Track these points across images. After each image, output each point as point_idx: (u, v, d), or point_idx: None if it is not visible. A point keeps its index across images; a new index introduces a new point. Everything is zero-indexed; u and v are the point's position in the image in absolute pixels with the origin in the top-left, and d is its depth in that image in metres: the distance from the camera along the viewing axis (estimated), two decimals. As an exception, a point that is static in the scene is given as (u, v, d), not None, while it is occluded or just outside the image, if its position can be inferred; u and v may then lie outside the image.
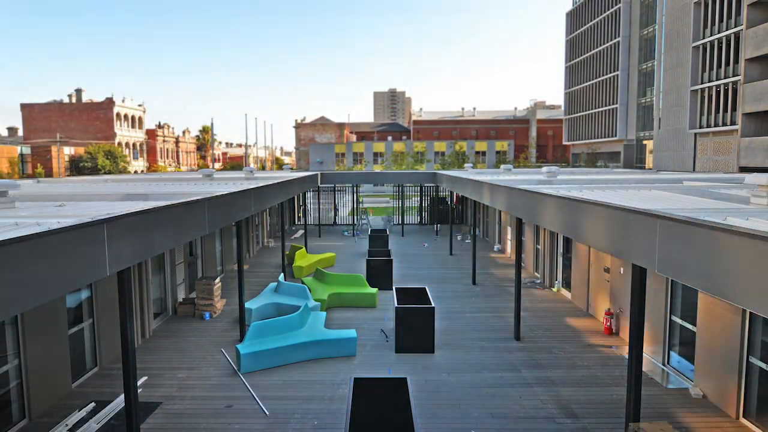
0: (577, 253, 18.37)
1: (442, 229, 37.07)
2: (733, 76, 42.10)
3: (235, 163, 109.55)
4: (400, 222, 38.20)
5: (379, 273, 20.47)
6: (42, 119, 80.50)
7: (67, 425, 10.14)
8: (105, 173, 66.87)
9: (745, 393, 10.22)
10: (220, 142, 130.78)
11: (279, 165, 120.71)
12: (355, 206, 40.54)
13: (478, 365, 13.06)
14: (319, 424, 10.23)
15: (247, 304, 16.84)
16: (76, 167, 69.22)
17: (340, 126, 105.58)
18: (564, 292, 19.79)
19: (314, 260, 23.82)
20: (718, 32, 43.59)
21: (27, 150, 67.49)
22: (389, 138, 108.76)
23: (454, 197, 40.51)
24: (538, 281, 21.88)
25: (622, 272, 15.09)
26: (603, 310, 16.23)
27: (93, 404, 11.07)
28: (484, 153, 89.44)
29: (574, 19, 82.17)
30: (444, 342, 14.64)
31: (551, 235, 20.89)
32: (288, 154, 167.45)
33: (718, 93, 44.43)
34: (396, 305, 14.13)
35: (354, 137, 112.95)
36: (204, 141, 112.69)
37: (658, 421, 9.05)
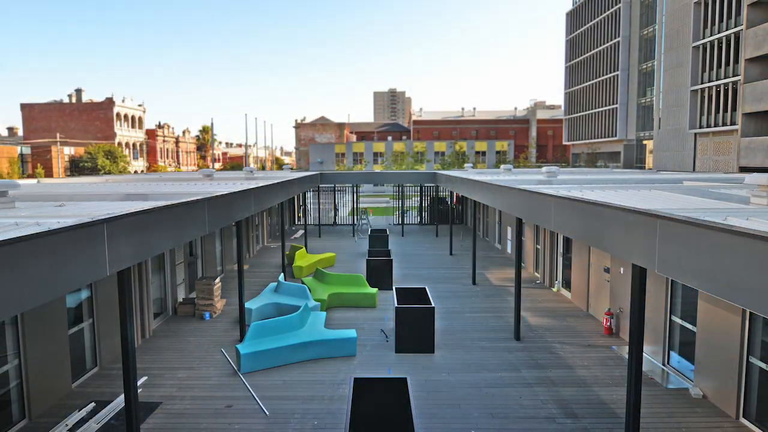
0: (577, 253, 18.37)
1: (442, 229, 37.05)
2: (733, 76, 42.10)
3: (235, 163, 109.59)
4: (400, 222, 38.20)
5: (379, 273, 20.47)
6: (42, 119, 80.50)
7: (67, 425, 10.14)
8: (105, 173, 66.87)
9: (745, 393, 10.22)
10: (220, 142, 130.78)
11: (279, 165, 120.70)
12: (355, 206, 40.55)
13: (478, 365, 13.06)
14: (319, 424, 10.23)
15: (247, 304, 16.84)
16: (76, 167, 69.22)
17: (340, 126, 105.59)
18: (564, 292, 19.79)
19: (314, 260, 23.83)
20: (718, 32, 43.59)
21: (27, 150, 67.49)
22: (389, 138, 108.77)
23: (454, 197, 40.52)
24: (539, 281, 21.88)
25: (622, 272, 15.09)
26: (603, 310, 16.23)
27: (93, 404, 11.07)
28: (484, 153, 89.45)
29: (574, 19, 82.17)
30: (444, 342, 14.64)
31: (551, 235, 20.89)
32: (288, 154, 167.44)
33: (718, 93, 44.43)
34: (396, 305, 14.13)
35: (354, 137, 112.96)
36: (204, 141, 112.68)
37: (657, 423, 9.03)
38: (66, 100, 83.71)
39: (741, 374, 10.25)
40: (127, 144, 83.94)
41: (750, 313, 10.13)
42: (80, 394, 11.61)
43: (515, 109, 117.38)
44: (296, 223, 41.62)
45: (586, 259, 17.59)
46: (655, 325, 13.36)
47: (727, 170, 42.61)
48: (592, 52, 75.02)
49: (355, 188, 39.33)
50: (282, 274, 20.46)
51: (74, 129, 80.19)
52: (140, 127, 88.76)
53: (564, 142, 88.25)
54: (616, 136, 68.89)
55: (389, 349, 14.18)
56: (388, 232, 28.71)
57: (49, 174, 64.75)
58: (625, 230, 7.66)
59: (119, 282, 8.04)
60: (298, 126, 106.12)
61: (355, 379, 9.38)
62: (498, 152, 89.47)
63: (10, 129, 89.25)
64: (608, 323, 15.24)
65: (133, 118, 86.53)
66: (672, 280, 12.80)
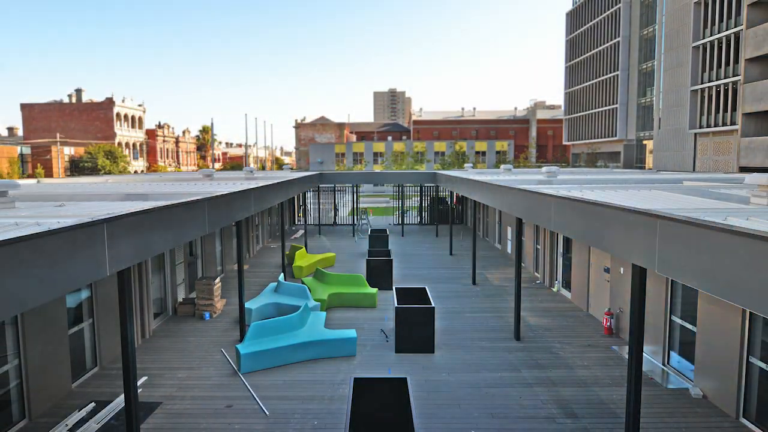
0: (577, 253, 18.37)
1: (442, 229, 37.05)
2: (733, 76, 42.10)
3: (235, 163, 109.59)
4: (400, 222, 38.21)
5: (379, 273, 20.47)
6: (42, 119, 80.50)
7: (67, 425, 10.14)
8: (105, 173, 66.87)
9: (745, 393, 10.22)
10: (220, 142, 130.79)
11: (279, 165, 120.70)
12: (355, 206, 40.56)
13: (478, 365, 13.06)
14: (319, 424, 10.23)
15: (247, 304, 16.84)
16: (76, 167, 69.23)
17: (340, 126, 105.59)
18: (564, 292, 19.79)
19: (314, 260, 23.82)
20: (718, 32, 43.59)
21: (27, 150, 67.50)
22: (389, 138, 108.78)
23: (454, 197, 40.52)
24: (539, 281, 21.88)
25: (622, 272, 15.09)
26: (603, 310, 16.23)
27: (93, 404, 11.07)
28: (484, 153, 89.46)
29: (574, 19, 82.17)
30: (444, 342, 14.64)
31: (551, 235, 20.89)
32: (288, 154, 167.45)
33: (718, 93, 44.43)
34: (396, 305, 14.13)
35: (354, 137, 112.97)
36: (204, 141, 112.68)
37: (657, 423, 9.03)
38: (66, 100, 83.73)
39: (741, 374, 10.25)
40: (127, 144, 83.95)
41: (750, 313, 10.13)
42: (80, 394, 11.61)
43: (515, 109, 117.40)
44: (296, 223, 41.63)
45: (586, 259, 17.59)
46: (655, 325, 13.36)
47: (727, 170, 42.61)
48: (592, 52, 75.02)
49: (355, 188, 39.34)
50: (282, 274, 20.46)
51: (74, 129, 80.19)
52: (140, 127, 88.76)
53: (564, 142, 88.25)
54: (616, 136, 68.89)
55: (389, 349, 14.18)
56: (388, 232, 28.72)
57: (49, 174, 64.75)
58: (625, 230, 7.66)
59: (119, 282, 8.04)
60: (298, 126, 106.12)
61: (355, 379, 9.38)
62: (498, 152, 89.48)
63: (10, 129, 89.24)
64: (608, 323, 15.24)
65: (133, 118, 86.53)
66: (672, 280, 12.80)
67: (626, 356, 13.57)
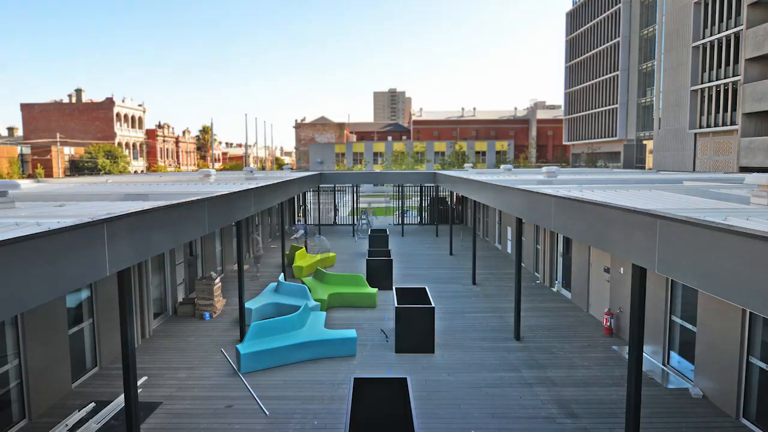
0: (577, 253, 18.37)
1: (442, 229, 37.05)
2: (733, 76, 42.09)
3: (235, 163, 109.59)
4: (400, 222, 38.21)
5: (379, 273, 20.47)
6: (42, 119, 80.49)
7: (67, 425, 10.14)
8: (105, 173, 66.88)
9: (745, 393, 10.23)
10: (220, 142, 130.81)
11: (279, 165, 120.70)
12: (355, 206, 40.55)
13: (478, 365, 13.06)
14: (319, 424, 10.23)
15: (247, 304, 16.84)
16: (76, 167, 69.24)
17: (340, 126, 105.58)
18: (564, 292, 19.79)
19: (314, 260, 23.82)
20: (718, 32, 43.59)
21: (27, 150, 67.51)
22: (389, 138, 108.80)
23: (454, 197, 40.51)
24: (539, 281, 21.88)
25: (622, 272, 15.09)
26: (603, 310, 16.23)
27: (93, 404, 11.07)
28: (484, 153, 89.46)
29: (574, 19, 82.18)
30: (444, 342, 14.64)
31: (551, 235, 20.89)
32: (288, 154, 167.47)
33: (718, 93, 44.44)
34: (396, 305, 14.13)
35: (354, 137, 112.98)
36: (204, 141, 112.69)
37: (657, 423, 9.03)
38: (66, 100, 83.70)
39: (741, 374, 10.26)
40: (127, 144, 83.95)
41: (750, 313, 10.13)
42: (80, 394, 11.61)
43: (515, 109, 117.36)
44: (296, 223, 41.60)
45: (586, 259, 17.59)
46: (655, 325, 13.36)
47: (727, 170, 42.61)
48: (592, 52, 75.02)
49: (355, 188, 39.34)
50: (282, 274, 20.46)
51: (74, 129, 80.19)
52: (140, 127, 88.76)
53: (564, 142, 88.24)
54: (616, 136, 68.89)
55: (389, 349, 14.18)
56: (388, 232, 28.72)
57: (49, 174, 64.77)
58: (625, 230, 7.66)
59: (119, 282, 8.04)
60: (298, 126, 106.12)
61: (355, 379, 9.38)
62: (498, 152, 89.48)
63: (10, 129, 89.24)
64: (608, 323, 15.25)
65: (133, 118, 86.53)
66: (672, 280, 12.80)
67: (626, 356, 13.57)
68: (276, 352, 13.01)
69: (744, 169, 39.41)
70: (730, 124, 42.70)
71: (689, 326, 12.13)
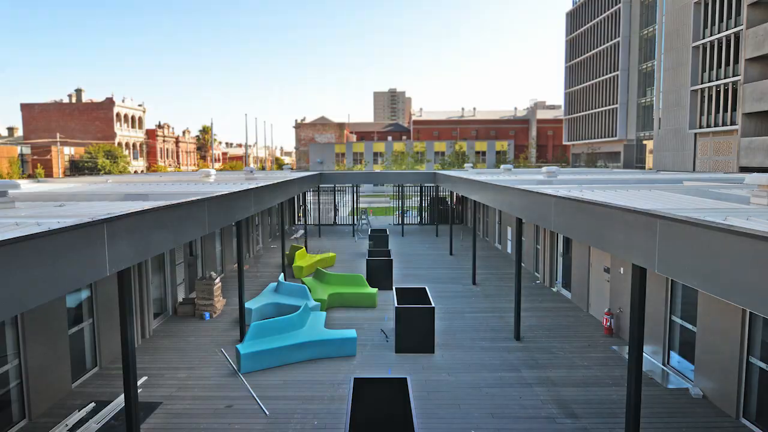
0: (577, 253, 18.37)
1: (442, 229, 37.05)
2: (733, 76, 42.10)
3: (235, 163, 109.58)
4: (400, 222, 38.21)
5: (379, 273, 20.47)
6: (42, 119, 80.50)
7: (67, 425, 10.14)
8: (105, 173, 66.88)
9: (745, 393, 10.23)
10: (220, 142, 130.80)
11: (279, 165, 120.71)
12: (355, 206, 40.55)
13: (478, 365, 13.06)
14: (319, 424, 10.23)
15: (247, 304, 16.84)
16: (76, 167, 69.24)
17: (340, 126, 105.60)
18: (564, 292, 19.79)
19: (314, 260, 23.83)
20: (718, 32, 43.59)
21: (27, 150, 67.51)
22: (389, 138, 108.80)
23: (454, 197, 40.52)
24: (539, 281, 21.88)
25: (622, 272, 15.09)
26: (603, 310, 16.23)
27: (93, 404, 11.08)
28: (484, 153, 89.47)
29: (574, 19, 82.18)
30: (444, 342, 14.64)
31: (551, 235, 20.89)
32: (288, 154, 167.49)
33: (718, 93, 44.44)
34: (396, 305, 14.13)
35: (354, 137, 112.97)
36: (204, 141, 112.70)
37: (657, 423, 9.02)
38: (66, 100, 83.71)
39: (741, 374, 10.26)
40: (127, 144, 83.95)
41: (750, 313, 10.13)
42: (80, 394, 11.61)
43: (515, 109, 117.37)
44: (296, 223, 41.64)
45: (586, 259, 17.59)
46: (655, 325, 13.36)
47: (727, 170, 42.61)
48: (592, 52, 75.03)
49: (355, 188, 39.35)
50: (282, 274, 20.46)
51: (74, 129, 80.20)
52: (140, 127, 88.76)
53: (564, 142, 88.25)
54: (616, 136, 68.90)
55: (389, 349, 14.18)
56: (388, 232, 28.72)
57: (49, 174, 64.77)
58: (625, 230, 7.66)
59: (119, 282, 8.04)
60: (298, 126, 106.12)
61: (355, 379, 9.38)
62: (498, 152, 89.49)
63: (10, 129, 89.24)
64: (608, 323, 15.25)
65: (133, 118, 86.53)
66: (672, 280, 12.80)
67: (626, 356, 13.57)
68: (276, 352, 13.01)
69: (744, 169, 39.41)
70: (730, 124, 42.71)
71: (689, 326, 12.13)
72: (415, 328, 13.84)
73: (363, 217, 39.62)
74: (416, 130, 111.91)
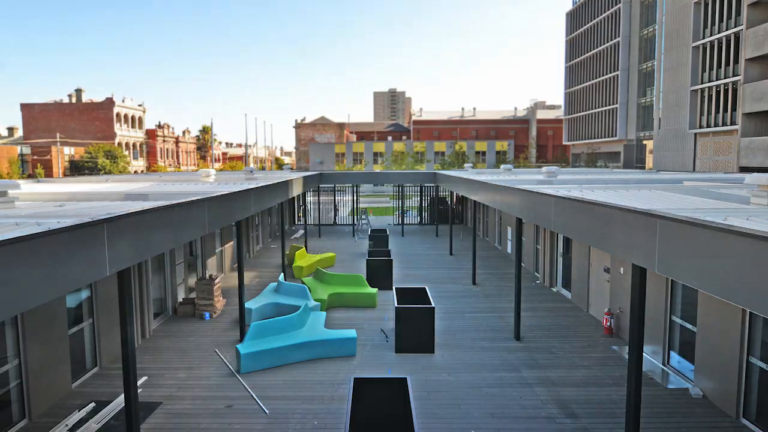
0: (577, 253, 18.37)
1: (442, 229, 37.05)
2: (733, 76, 42.11)
3: (235, 163, 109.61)
4: (400, 222, 38.21)
5: (379, 273, 20.47)
6: (42, 119, 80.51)
7: (67, 425, 10.14)
8: (105, 173, 66.89)
9: (745, 393, 10.23)
10: (220, 142, 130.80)
11: (279, 165, 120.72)
12: (355, 206, 40.55)
13: (478, 365, 13.06)
14: (319, 424, 10.23)
15: (247, 304, 16.84)
16: (76, 167, 69.25)
17: (340, 126, 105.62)
18: (564, 292, 19.79)
19: (314, 260, 23.83)
20: (718, 32, 43.60)
21: (27, 150, 67.53)
22: (389, 138, 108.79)
23: (454, 197, 40.52)
24: (539, 281, 21.88)
25: (622, 272, 15.09)
26: (603, 310, 16.23)
27: (93, 404, 11.08)
28: (484, 153, 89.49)
29: (574, 19, 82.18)
30: (444, 342, 14.64)
31: (551, 235, 20.89)
32: (288, 154, 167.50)
33: (718, 93, 44.44)
34: (396, 305, 14.13)
35: (354, 137, 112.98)
36: (204, 141, 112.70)
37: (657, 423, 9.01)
38: (66, 100, 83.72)
39: (741, 374, 10.26)
40: (127, 144, 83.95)
41: (750, 313, 10.13)
42: (80, 394, 11.61)
43: (515, 109, 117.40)
44: (296, 223, 41.64)
45: (586, 259, 17.59)
46: (655, 325, 13.36)
47: (727, 170, 42.62)
48: (592, 52, 75.03)
49: (355, 188, 39.35)
50: (282, 274, 20.46)
51: (74, 129, 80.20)
52: (140, 127, 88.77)
53: (564, 142, 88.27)
54: (616, 136, 68.90)
55: (389, 349, 14.18)
56: (388, 232, 28.72)
57: (49, 174, 64.79)
58: (625, 230, 7.66)
59: (119, 282, 8.04)
60: (298, 126, 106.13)
61: (355, 379, 9.38)
62: (498, 152, 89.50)
63: (10, 129, 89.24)
64: (608, 323, 15.25)
65: (133, 118, 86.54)
66: (672, 280, 12.80)
67: (626, 356, 13.57)
68: (276, 352, 13.01)
69: (744, 169, 39.41)
70: (730, 124, 42.71)
71: (689, 326, 12.13)
72: (415, 328, 13.84)
73: (363, 217, 39.60)
74: (416, 130, 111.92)
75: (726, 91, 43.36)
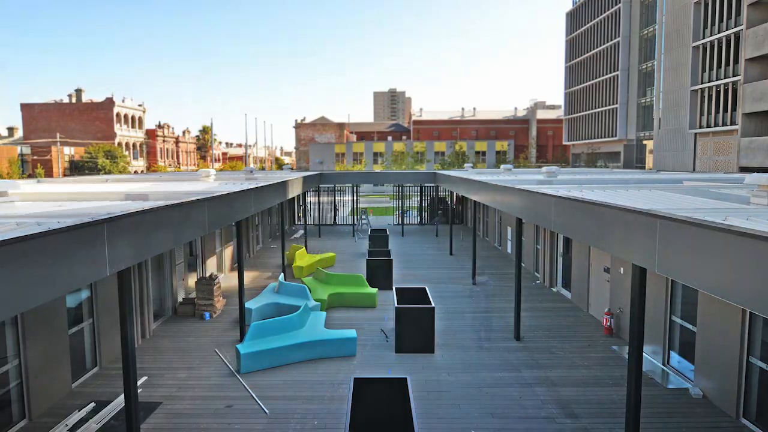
0: (577, 253, 18.37)
1: (442, 229, 37.06)
2: (733, 76, 42.11)
3: (235, 163, 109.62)
4: (400, 222, 38.21)
5: (379, 273, 20.47)
6: (42, 119, 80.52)
7: (67, 425, 10.14)
8: (105, 173, 66.89)
9: (745, 393, 10.23)
10: (220, 142, 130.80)
11: (279, 165, 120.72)
12: (355, 206, 40.55)
13: (478, 365, 13.06)
14: (319, 424, 10.23)
15: (247, 304, 16.84)
16: (76, 167, 69.25)
17: (340, 126, 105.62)
18: (564, 292, 19.79)
19: (314, 260, 23.82)
20: (718, 32, 43.60)
21: (27, 150, 67.53)
22: (389, 138, 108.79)
23: (454, 197, 40.52)
24: (539, 281, 21.88)
25: (622, 272, 15.09)
26: (603, 310, 16.23)
27: (93, 404, 11.08)
28: (484, 153, 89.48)
29: (574, 19, 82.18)
30: (444, 342, 14.64)
31: (551, 235, 20.89)
32: (288, 154, 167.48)
33: (718, 93, 44.45)
34: (396, 305, 14.13)
35: (354, 137, 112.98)
36: (204, 141, 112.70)
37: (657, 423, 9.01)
38: (66, 100, 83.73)
39: (741, 374, 10.26)
40: (127, 144, 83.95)
41: (750, 313, 10.13)
42: (80, 394, 11.61)
43: (515, 109, 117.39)
44: (296, 223, 41.64)
45: (586, 259, 17.59)
46: (655, 325, 13.36)
47: (727, 170, 42.62)
48: (592, 52, 75.04)
49: (355, 188, 39.34)
50: (282, 274, 20.46)
51: (74, 129, 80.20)
52: (140, 127, 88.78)
53: (564, 142, 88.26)
54: (616, 136, 68.90)
55: (389, 349, 14.18)
56: (388, 232, 28.72)
57: (49, 174, 64.79)
58: (625, 230, 7.66)
59: (119, 282, 8.04)
60: (298, 126, 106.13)
61: (355, 379, 9.38)
62: (498, 152, 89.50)
63: (10, 129, 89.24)
64: (608, 323, 15.25)
65: (133, 118, 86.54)
66: (672, 280, 12.80)
67: (626, 356, 13.57)
68: (276, 352, 13.01)
69: (744, 169, 39.41)
70: (730, 124, 42.71)
71: (689, 326, 12.13)
72: (415, 328, 13.83)
73: (363, 217, 39.59)
74: (416, 130, 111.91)
75: (726, 91, 43.36)
